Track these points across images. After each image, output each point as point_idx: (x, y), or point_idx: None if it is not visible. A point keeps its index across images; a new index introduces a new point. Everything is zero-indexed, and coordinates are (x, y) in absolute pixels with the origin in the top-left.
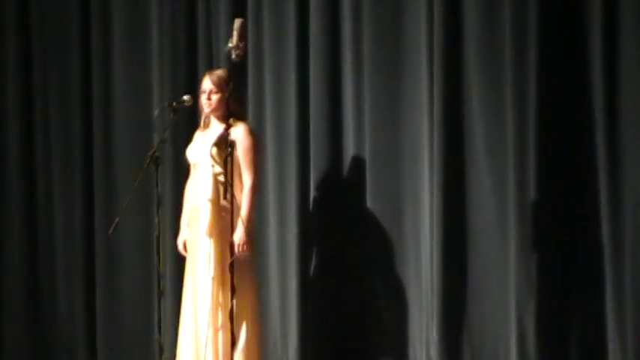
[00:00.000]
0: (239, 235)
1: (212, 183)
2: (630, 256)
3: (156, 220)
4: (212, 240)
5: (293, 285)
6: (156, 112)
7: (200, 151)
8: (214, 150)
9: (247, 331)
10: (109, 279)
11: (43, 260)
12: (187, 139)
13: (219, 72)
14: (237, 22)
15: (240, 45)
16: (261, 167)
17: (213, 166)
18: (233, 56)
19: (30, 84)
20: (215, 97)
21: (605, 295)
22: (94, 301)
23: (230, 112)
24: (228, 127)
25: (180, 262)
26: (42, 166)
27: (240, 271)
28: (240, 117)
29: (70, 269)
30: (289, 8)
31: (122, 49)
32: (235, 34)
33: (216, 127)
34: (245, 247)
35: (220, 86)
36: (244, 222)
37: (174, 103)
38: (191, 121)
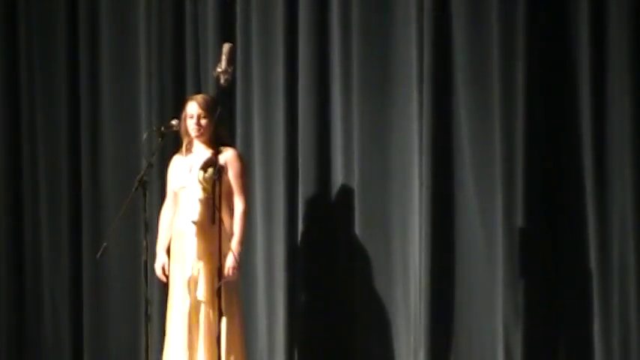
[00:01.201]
0: (232, 259)
1: (200, 207)
2: (617, 283)
3: (144, 244)
4: (202, 263)
5: (280, 309)
6: (144, 137)
7: (186, 175)
8: (201, 174)
9: (235, 353)
10: (95, 303)
11: (29, 284)
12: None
13: (206, 96)
14: (226, 47)
15: (229, 70)
16: (250, 192)
17: (204, 189)
18: (221, 81)
19: (17, 107)
20: (205, 122)
21: (593, 322)
22: (81, 325)
23: (217, 137)
24: (217, 151)
25: (167, 286)
26: (29, 190)
27: (228, 296)
28: (228, 142)
29: (57, 293)
30: (278, 33)
31: (110, 73)
32: (224, 58)
33: (201, 152)
34: (235, 271)
35: (209, 111)
36: (238, 246)
37: (162, 128)
38: (178, 146)
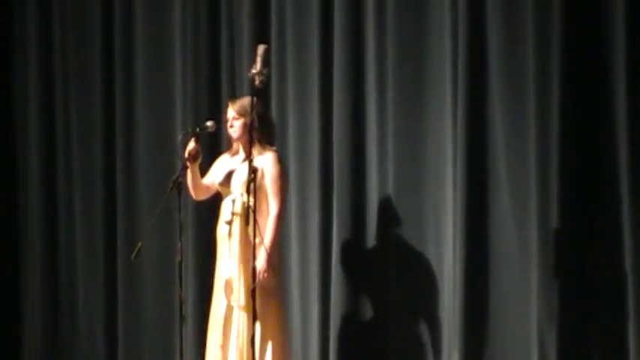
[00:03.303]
0: (261, 262)
1: (233, 208)
2: None
3: (178, 245)
4: (239, 268)
5: (314, 311)
6: (179, 138)
7: (226, 177)
8: (237, 176)
9: (272, 356)
10: (130, 304)
11: (64, 286)
12: (209, 165)
13: (242, 99)
14: (261, 48)
15: (264, 71)
16: (287, 196)
17: (242, 194)
18: (256, 82)
19: (52, 110)
20: (238, 123)
21: (628, 326)
22: (115, 325)
23: (254, 138)
24: (250, 154)
25: (201, 287)
26: (64, 191)
27: (265, 299)
28: (267, 144)
29: (92, 294)
30: (313, 34)
31: (145, 75)
32: (259, 59)
33: (242, 154)
34: (267, 274)
35: (242, 112)
36: (267, 249)
37: (198, 129)
38: (213, 147)
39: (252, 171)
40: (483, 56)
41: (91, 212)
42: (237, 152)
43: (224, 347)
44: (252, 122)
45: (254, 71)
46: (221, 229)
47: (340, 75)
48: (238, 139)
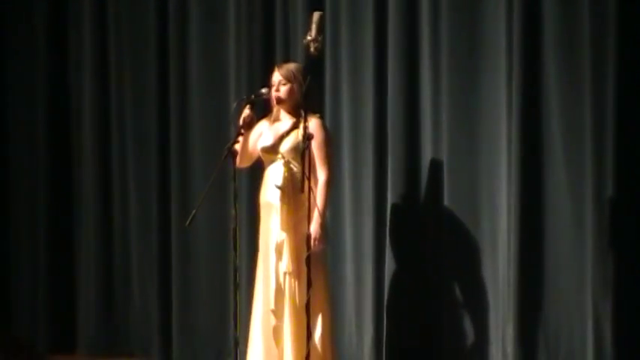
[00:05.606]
0: (315, 229)
1: (284, 171)
2: None
3: (232, 212)
4: (287, 234)
5: (368, 280)
6: (234, 106)
7: (271, 142)
8: (288, 141)
9: (322, 323)
10: (184, 271)
11: (118, 253)
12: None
13: (289, 64)
14: (316, 15)
15: (319, 38)
16: (334, 162)
17: (288, 161)
18: (311, 49)
19: (105, 77)
20: (284, 89)
21: None
22: (169, 292)
23: (301, 105)
24: (306, 119)
25: (255, 254)
26: (117, 160)
27: (313, 265)
28: (310, 110)
29: (145, 261)
30: (368, 2)
31: (199, 42)
32: (314, 27)
33: (285, 120)
34: (318, 242)
35: (289, 77)
36: (320, 218)
37: (252, 96)
38: (267, 115)
39: (308, 137)
40: (538, 28)
41: (145, 181)
42: (277, 119)
43: (276, 313)
44: (306, 89)
45: (309, 38)
46: (267, 195)
47: (394, 42)
48: (281, 103)
